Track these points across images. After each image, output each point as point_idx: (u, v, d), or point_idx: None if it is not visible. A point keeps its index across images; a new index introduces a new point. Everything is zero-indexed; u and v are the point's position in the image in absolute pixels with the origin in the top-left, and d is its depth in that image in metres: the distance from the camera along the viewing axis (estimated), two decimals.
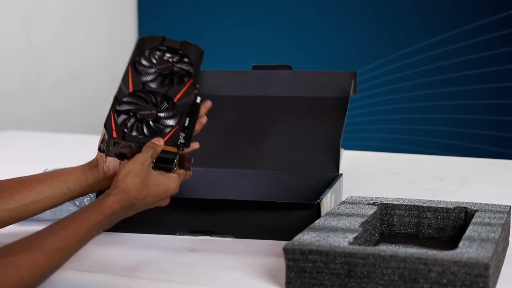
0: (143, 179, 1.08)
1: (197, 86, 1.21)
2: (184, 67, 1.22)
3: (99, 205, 1.04)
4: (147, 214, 1.24)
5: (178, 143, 1.15)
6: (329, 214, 1.14)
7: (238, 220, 1.23)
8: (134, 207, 1.08)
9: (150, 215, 1.24)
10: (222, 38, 3.73)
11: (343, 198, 1.37)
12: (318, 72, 1.58)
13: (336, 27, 3.59)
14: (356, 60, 3.56)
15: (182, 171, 1.16)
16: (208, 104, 1.21)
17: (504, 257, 1.11)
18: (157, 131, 1.15)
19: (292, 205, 1.22)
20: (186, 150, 1.16)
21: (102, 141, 1.16)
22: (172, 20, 3.80)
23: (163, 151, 1.13)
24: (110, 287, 1.03)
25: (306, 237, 1.00)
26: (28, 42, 3.31)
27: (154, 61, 1.21)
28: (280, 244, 1.11)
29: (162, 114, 1.16)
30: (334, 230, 1.04)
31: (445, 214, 1.19)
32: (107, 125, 1.14)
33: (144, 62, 1.21)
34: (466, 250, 0.94)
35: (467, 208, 1.18)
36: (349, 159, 1.76)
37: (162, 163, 1.13)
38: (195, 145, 1.18)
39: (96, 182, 1.17)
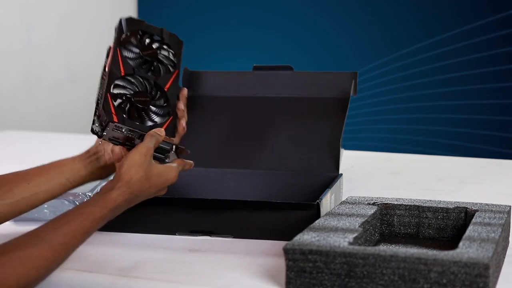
0: (146, 171, 1.09)
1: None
2: (169, 56, 1.22)
3: (104, 199, 1.04)
4: (147, 214, 1.24)
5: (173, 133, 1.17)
6: (329, 214, 1.14)
7: (238, 220, 1.23)
8: (137, 199, 1.09)
9: (150, 215, 1.24)
10: (222, 39, 3.74)
11: (343, 198, 1.37)
12: (318, 72, 1.58)
13: (336, 27, 3.59)
14: (356, 60, 3.56)
15: (179, 160, 1.17)
16: (184, 91, 1.21)
17: (504, 257, 1.11)
18: (153, 119, 1.16)
19: (292, 205, 1.22)
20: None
21: (95, 122, 1.14)
22: (172, 20, 3.80)
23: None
24: (109, 287, 1.03)
25: (306, 237, 1.00)
26: (28, 42, 3.31)
27: (139, 45, 1.20)
28: (280, 244, 1.11)
29: (156, 102, 1.17)
30: (334, 230, 1.04)
31: (445, 214, 1.19)
32: (105, 107, 1.13)
33: (130, 46, 1.20)
34: (466, 250, 0.94)
35: (467, 208, 1.18)
36: (349, 159, 1.76)
37: (159, 153, 1.14)
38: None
39: (95, 171, 1.17)
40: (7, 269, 0.90)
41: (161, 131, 1.14)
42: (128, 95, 1.15)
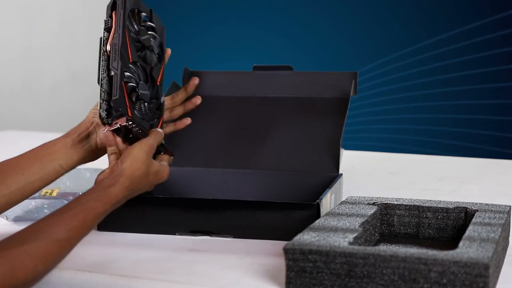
0: (147, 168, 1.10)
1: None
2: (156, 43, 1.18)
3: (107, 194, 1.05)
4: (147, 214, 1.24)
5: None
6: (329, 214, 1.14)
7: (238, 220, 1.23)
8: (133, 195, 1.10)
9: (150, 215, 1.24)
10: (222, 39, 3.74)
11: (343, 198, 1.37)
12: (318, 72, 1.58)
13: (336, 27, 3.59)
14: (356, 60, 3.56)
15: (166, 156, 1.18)
16: (196, 81, 1.21)
17: (504, 257, 1.11)
18: (152, 116, 1.15)
19: (292, 205, 1.22)
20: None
21: (101, 106, 1.11)
22: (172, 20, 3.80)
23: None
24: (109, 287, 1.03)
25: (306, 237, 1.00)
26: (28, 43, 3.31)
27: (137, 28, 1.15)
28: (280, 244, 1.11)
29: (153, 99, 1.16)
30: (334, 230, 1.04)
31: (445, 214, 1.19)
32: (120, 99, 1.10)
33: (132, 28, 1.14)
34: (466, 250, 0.94)
35: (467, 208, 1.18)
36: (349, 159, 1.76)
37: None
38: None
39: (87, 155, 1.18)
40: (16, 263, 0.90)
41: (161, 130, 1.15)
42: (134, 86, 1.13)
